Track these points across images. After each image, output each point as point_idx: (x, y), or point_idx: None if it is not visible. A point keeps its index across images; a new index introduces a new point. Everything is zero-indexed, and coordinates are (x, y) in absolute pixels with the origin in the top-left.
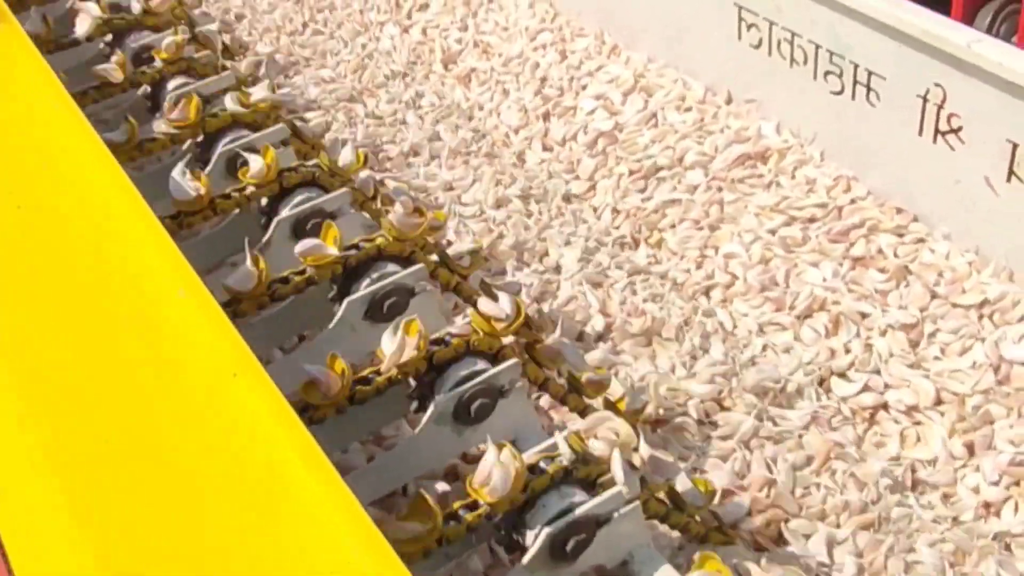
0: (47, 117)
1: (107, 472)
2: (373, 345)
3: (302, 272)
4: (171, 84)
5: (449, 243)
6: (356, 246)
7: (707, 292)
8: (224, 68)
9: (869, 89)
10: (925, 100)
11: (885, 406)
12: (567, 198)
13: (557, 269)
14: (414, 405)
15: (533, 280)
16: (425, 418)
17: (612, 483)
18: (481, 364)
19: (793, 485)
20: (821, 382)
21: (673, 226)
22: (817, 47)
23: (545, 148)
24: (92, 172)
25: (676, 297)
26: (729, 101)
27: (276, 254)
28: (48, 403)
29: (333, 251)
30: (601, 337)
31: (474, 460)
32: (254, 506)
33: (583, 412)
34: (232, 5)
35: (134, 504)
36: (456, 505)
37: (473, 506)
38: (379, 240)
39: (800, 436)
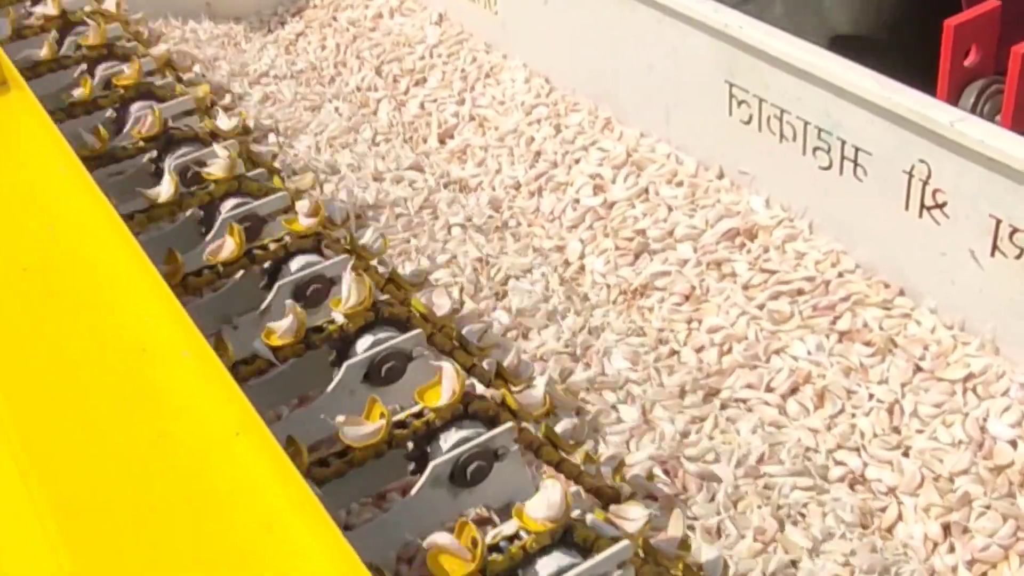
0: (56, 181)
1: (109, 532)
2: None
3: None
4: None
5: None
6: None
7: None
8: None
9: (856, 165)
10: (911, 176)
11: (866, 482)
12: (562, 280)
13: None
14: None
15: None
16: (421, 480)
17: (607, 544)
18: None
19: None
20: (805, 456)
21: (662, 300)
22: (806, 123)
23: (533, 224)
24: (99, 234)
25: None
26: (721, 176)
27: None
28: (50, 463)
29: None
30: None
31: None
32: (255, 562)
33: (597, 491)
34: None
35: (136, 564)
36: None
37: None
38: None
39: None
